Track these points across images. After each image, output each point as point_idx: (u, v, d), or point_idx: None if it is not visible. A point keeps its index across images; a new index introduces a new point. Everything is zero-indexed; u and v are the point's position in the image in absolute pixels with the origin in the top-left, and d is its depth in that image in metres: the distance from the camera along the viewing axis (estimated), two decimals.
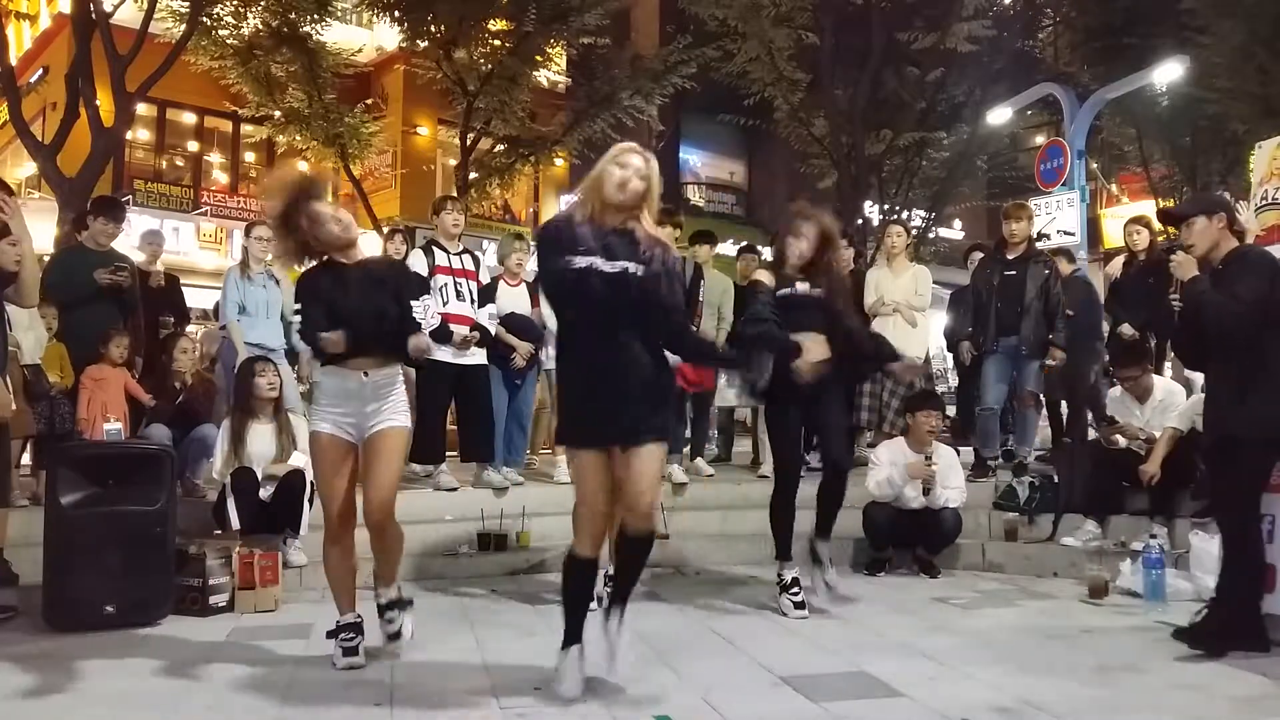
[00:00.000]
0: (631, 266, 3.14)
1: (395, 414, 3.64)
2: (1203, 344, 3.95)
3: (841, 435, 4.89)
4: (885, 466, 5.53)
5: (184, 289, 7.37)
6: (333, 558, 3.70)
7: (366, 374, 3.59)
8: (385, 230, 9.78)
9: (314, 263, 3.73)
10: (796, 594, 4.54)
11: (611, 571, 4.71)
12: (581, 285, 3.11)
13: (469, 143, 13.45)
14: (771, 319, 4.37)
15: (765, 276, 4.61)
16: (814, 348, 4.24)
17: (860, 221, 14.56)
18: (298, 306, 3.63)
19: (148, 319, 6.41)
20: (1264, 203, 6.06)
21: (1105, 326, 7.24)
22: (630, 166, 3.19)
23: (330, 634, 3.67)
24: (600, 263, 3.12)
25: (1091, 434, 6.46)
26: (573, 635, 3.29)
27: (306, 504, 5.00)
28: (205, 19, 11.77)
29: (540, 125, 14.32)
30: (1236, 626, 3.80)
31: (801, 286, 4.52)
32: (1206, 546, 4.72)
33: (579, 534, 3.30)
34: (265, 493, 5.02)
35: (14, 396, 4.55)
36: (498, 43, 13.16)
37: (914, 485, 5.49)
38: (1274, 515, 4.06)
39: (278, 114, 13.46)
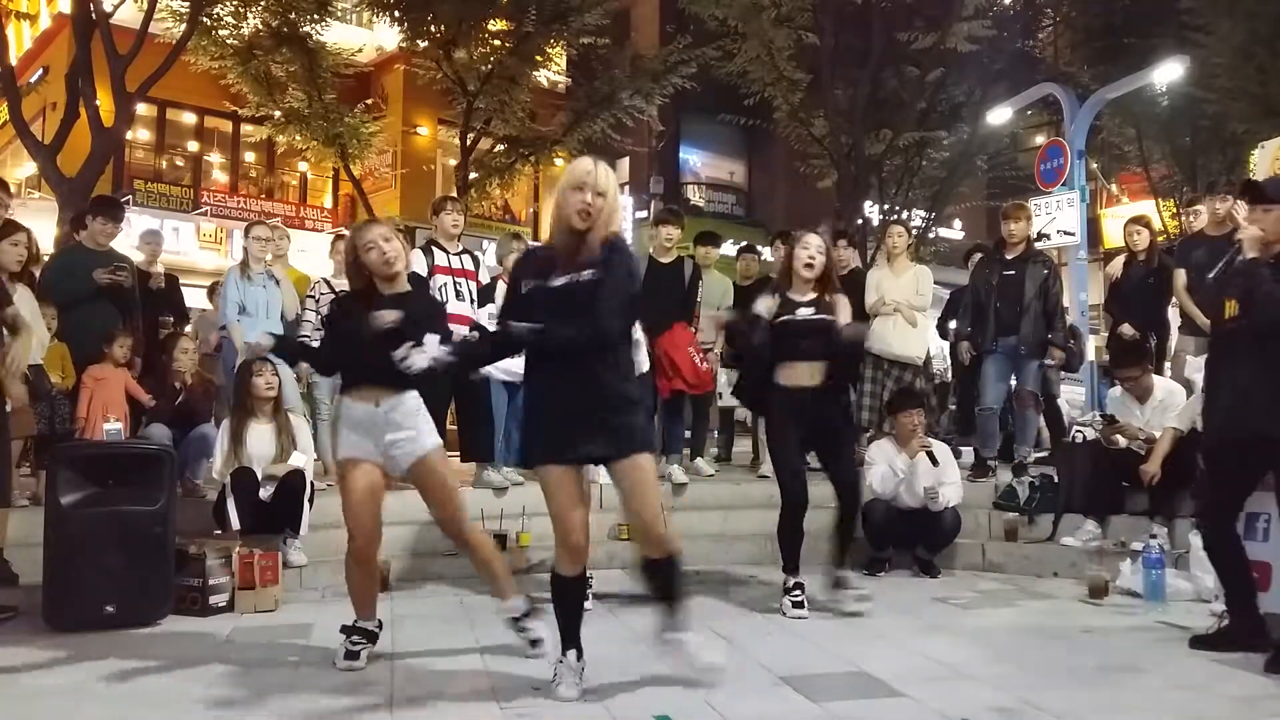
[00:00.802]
0: (582, 276, 3.09)
1: (424, 437, 3.63)
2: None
3: (853, 457, 4.88)
4: (881, 464, 5.54)
5: (183, 289, 7.38)
6: (355, 575, 3.70)
7: (378, 404, 3.57)
8: None
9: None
10: (797, 596, 4.54)
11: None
12: (535, 305, 3.13)
13: (469, 143, 13.45)
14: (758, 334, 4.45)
15: (765, 307, 4.54)
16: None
17: (860, 221, 14.56)
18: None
19: (147, 319, 6.42)
20: None
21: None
22: (590, 189, 3.12)
23: (344, 629, 3.67)
24: (552, 280, 3.12)
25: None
26: (569, 641, 3.30)
27: (306, 504, 5.00)
28: (205, 19, 11.78)
29: (540, 125, 14.33)
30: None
31: (804, 312, 4.50)
32: None
33: (559, 552, 3.27)
34: (265, 493, 5.02)
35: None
36: (498, 43, 13.16)
37: (909, 485, 5.48)
38: (1270, 514, 4.06)
39: (278, 114, 13.46)
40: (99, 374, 5.57)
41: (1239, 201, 6.30)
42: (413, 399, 3.64)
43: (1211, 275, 5.96)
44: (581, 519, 3.23)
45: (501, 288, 6.26)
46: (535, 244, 3.42)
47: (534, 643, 3.59)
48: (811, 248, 4.55)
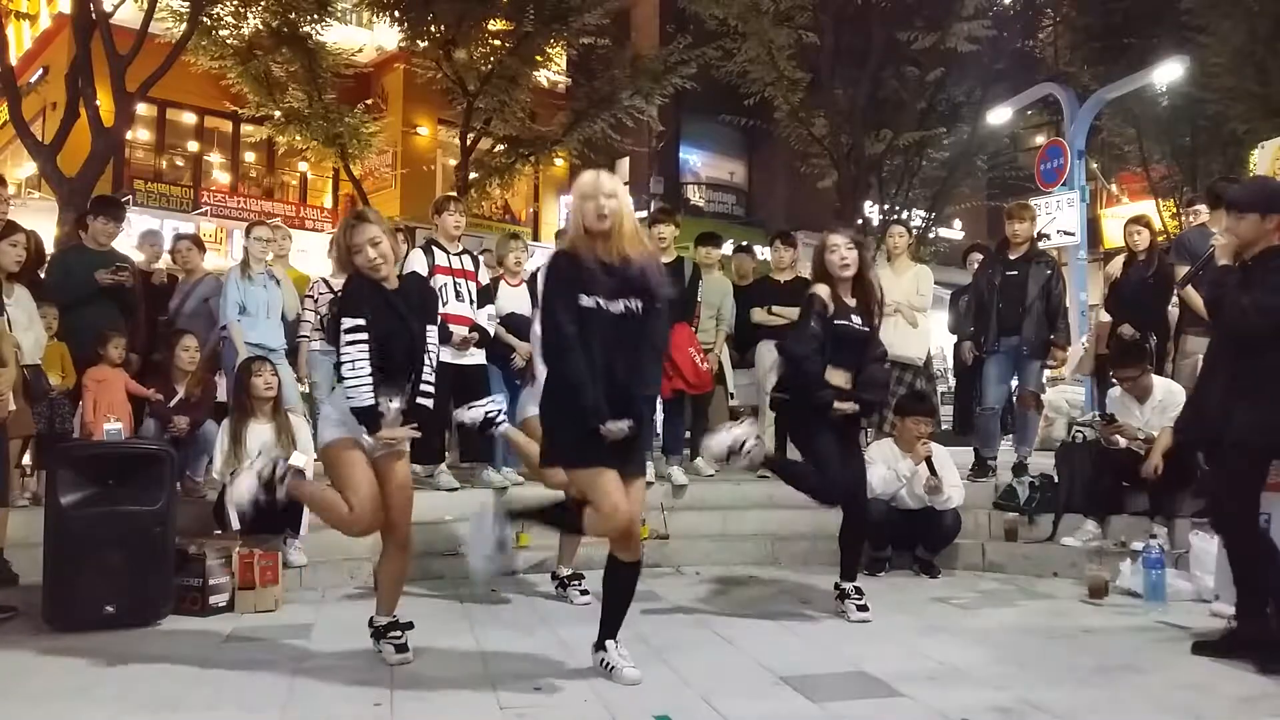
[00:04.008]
0: (632, 303, 3.31)
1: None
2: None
3: (863, 473, 4.74)
4: (880, 464, 5.54)
5: None
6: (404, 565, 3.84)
7: (394, 401, 3.57)
8: None
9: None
10: (859, 599, 4.48)
11: (566, 574, 4.85)
12: (589, 324, 3.27)
13: (469, 143, 13.46)
14: (818, 356, 4.35)
15: (823, 293, 4.44)
16: (844, 407, 4.35)
17: (860, 221, 14.57)
18: (351, 326, 3.48)
19: (149, 319, 6.42)
20: None
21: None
22: (600, 194, 3.31)
23: (379, 631, 3.73)
24: (605, 303, 3.28)
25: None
26: (611, 631, 3.49)
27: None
28: (205, 19, 11.79)
29: (540, 125, 14.34)
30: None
31: (856, 319, 4.44)
32: (1206, 546, 4.72)
33: (621, 541, 3.40)
34: None
35: (15, 396, 4.56)
36: (498, 43, 13.18)
37: (910, 487, 5.48)
38: (1269, 514, 4.05)
39: (278, 114, 13.47)
40: (99, 375, 5.57)
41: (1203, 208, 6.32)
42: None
43: (1181, 279, 6.02)
44: (636, 509, 3.42)
45: (504, 288, 6.28)
46: (560, 251, 3.54)
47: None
48: (841, 248, 4.45)
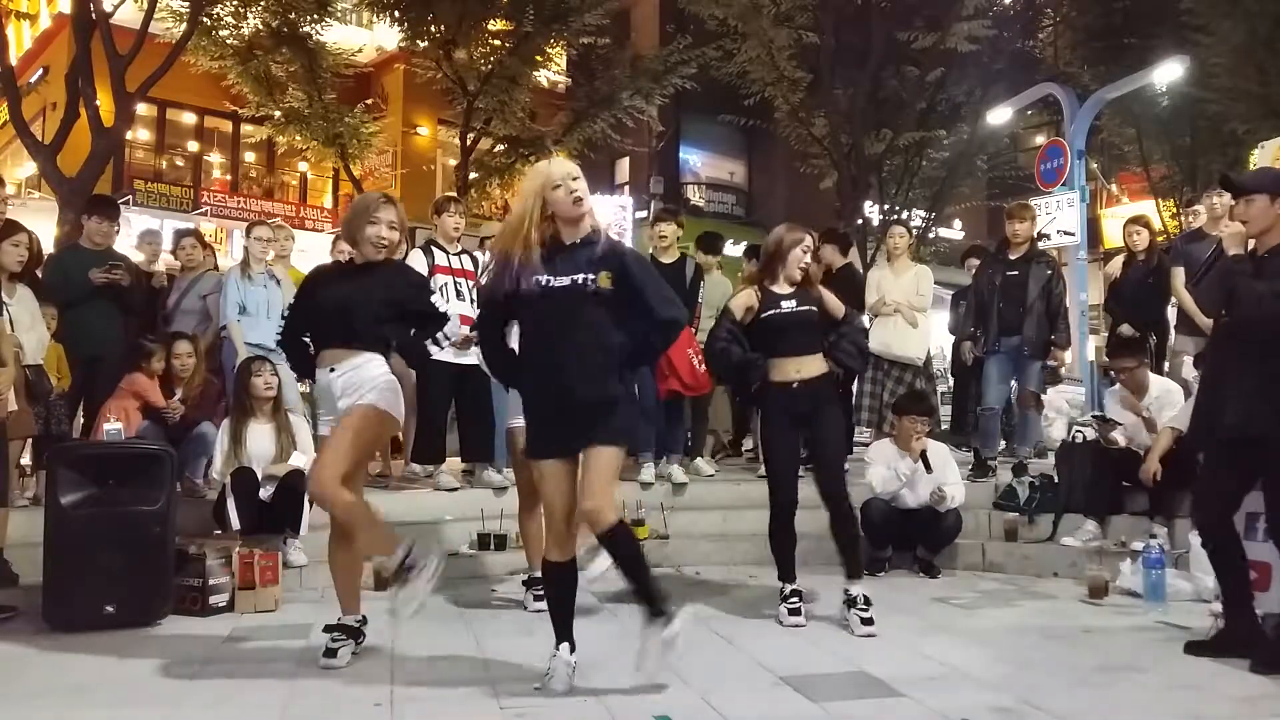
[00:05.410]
0: (583, 277, 3.21)
1: (364, 396, 3.57)
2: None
3: (840, 466, 4.66)
4: (880, 464, 5.53)
5: None
6: (337, 557, 3.73)
7: (333, 369, 3.62)
8: None
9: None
10: (794, 603, 4.38)
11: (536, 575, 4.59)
12: (536, 303, 3.22)
13: (469, 143, 13.46)
14: (727, 344, 4.36)
15: (739, 303, 4.47)
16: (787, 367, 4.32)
17: (860, 221, 14.57)
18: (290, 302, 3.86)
19: (148, 318, 6.42)
20: None
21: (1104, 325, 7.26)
22: (568, 179, 3.24)
23: (326, 628, 3.71)
24: (550, 280, 3.21)
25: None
26: (562, 634, 3.37)
27: (307, 504, 4.99)
28: (205, 19, 11.79)
29: (540, 125, 14.34)
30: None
31: (788, 305, 4.38)
32: None
33: (548, 540, 3.41)
34: (265, 493, 5.02)
35: (15, 397, 4.56)
36: (498, 43, 13.18)
37: (911, 486, 5.48)
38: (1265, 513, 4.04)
39: (278, 114, 13.49)
40: (143, 387, 5.56)
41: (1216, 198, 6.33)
42: (372, 369, 3.62)
43: (1197, 276, 6.01)
44: (572, 506, 3.30)
45: None
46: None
47: (407, 569, 3.39)
48: (809, 253, 4.45)
